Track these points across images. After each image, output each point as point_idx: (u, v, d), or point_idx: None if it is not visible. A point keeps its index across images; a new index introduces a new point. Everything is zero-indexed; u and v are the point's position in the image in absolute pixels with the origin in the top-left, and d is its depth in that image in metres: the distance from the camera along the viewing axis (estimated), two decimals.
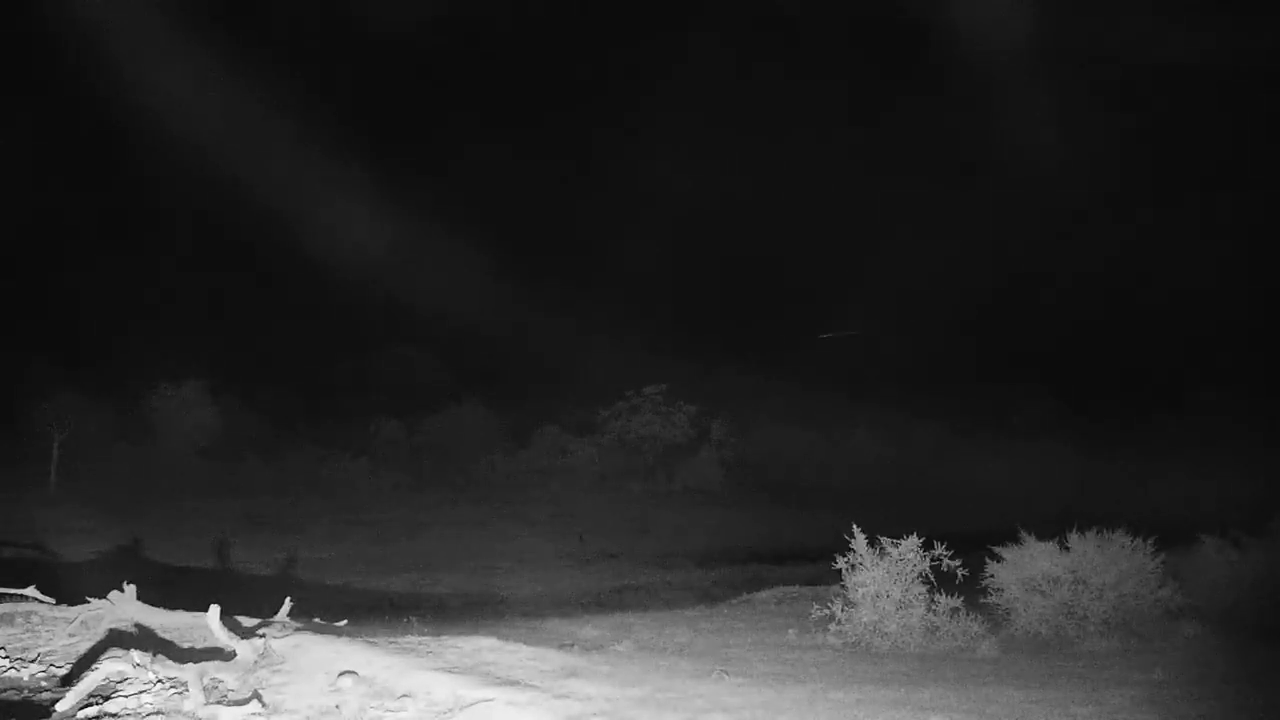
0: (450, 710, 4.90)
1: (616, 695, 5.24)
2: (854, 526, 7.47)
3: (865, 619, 7.33)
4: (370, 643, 5.84)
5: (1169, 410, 30.02)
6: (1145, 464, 24.80)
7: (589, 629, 7.85)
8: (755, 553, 14.66)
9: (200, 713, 4.80)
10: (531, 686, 5.23)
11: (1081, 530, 7.56)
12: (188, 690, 4.95)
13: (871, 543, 7.48)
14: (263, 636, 5.69)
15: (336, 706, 4.97)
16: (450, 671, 5.39)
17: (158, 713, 4.86)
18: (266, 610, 6.47)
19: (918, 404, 28.30)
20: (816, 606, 7.76)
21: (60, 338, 26.68)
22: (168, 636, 5.91)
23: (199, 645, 5.72)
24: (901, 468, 26.95)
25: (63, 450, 21.76)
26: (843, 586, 7.54)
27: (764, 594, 9.24)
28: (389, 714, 4.90)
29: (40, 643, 5.78)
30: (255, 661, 5.37)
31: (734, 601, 9.31)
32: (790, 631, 7.77)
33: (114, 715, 4.82)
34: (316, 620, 6.52)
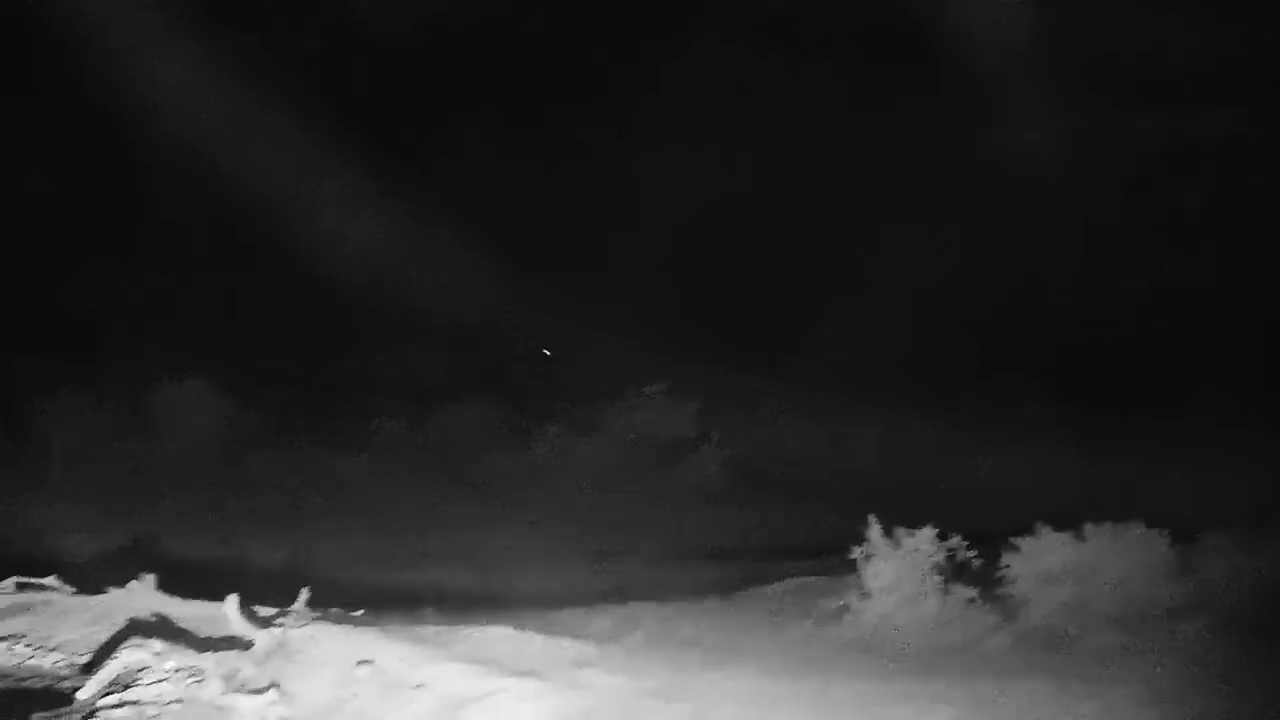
0: (464, 701, 4.92)
1: (629, 687, 5.27)
2: (869, 516, 7.48)
3: (879, 610, 7.34)
4: (386, 633, 5.87)
5: (1169, 410, 30.02)
6: (1145, 464, 24.77)
7: (600, 620, 7.87)
8: (760, 549, 14.64)
9: (219, 701, 4.83)
10: (545, 678, 5.26)
11: (1095, 523, 7.57)
12: (206, 679, 4.97)
13: (886, 533, 7.49)
14: (280, 626, 5.71)
15: (354, 695, 4.99)
16: (465, 662, 5.41)
17: (177, 700, 4.89)
18: (279, 602, 6.48)
19: (920, 401, 28.29)
20: (829, 598, 7.77)
21: (61, 337, 26.65)
22: (185, 626, 5.95)
23: (216, 635, 5.75)
24: (904, 465, 26.90)
25: (63, 449, 21.72)
26: (857, 578, 7.56)
27: (774, 586, 9.23)
28: (404, 704, 4.93)
29: (61, 631, 5.82)
30: (273, 651, 5.40)
31: (744, 594, 9.31)
32: (803, 623, 7.79)
33: (134, 703, 4.85)
34: (334, 610, 6.56)
